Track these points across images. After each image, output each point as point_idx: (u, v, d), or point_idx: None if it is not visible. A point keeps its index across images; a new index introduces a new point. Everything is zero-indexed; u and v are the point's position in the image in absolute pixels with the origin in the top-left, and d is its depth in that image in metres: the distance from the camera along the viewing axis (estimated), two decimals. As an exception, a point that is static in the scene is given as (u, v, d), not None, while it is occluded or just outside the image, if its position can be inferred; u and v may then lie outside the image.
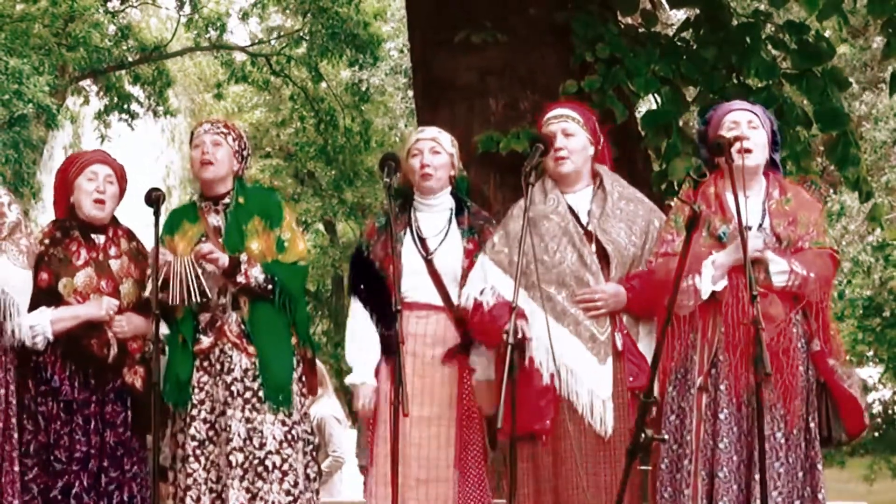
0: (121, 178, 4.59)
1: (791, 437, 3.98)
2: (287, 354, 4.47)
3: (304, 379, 4.54)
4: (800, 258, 4.05)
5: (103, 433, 4.36)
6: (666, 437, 4.00)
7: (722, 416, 3.98)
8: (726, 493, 3.94)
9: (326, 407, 7.45)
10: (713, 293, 4.03)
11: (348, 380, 4.52)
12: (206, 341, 4.45)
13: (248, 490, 4.34)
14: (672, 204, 4.94)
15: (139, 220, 4.66)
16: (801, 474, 3.99)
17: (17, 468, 4.22)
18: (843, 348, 4.18)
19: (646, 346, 4.16)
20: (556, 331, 4.13)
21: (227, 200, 4.56)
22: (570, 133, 4.33)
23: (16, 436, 4.23)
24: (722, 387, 4.00)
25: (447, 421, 4.39)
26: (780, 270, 4.00)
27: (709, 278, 4.02)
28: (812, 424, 4.02)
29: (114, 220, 4.60)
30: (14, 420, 4.24)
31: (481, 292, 4.26)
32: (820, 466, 4.02)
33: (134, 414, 4.41)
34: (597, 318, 4.16)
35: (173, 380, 4.43)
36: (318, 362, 6.90)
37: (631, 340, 4.19)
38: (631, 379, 4.11)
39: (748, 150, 4.10)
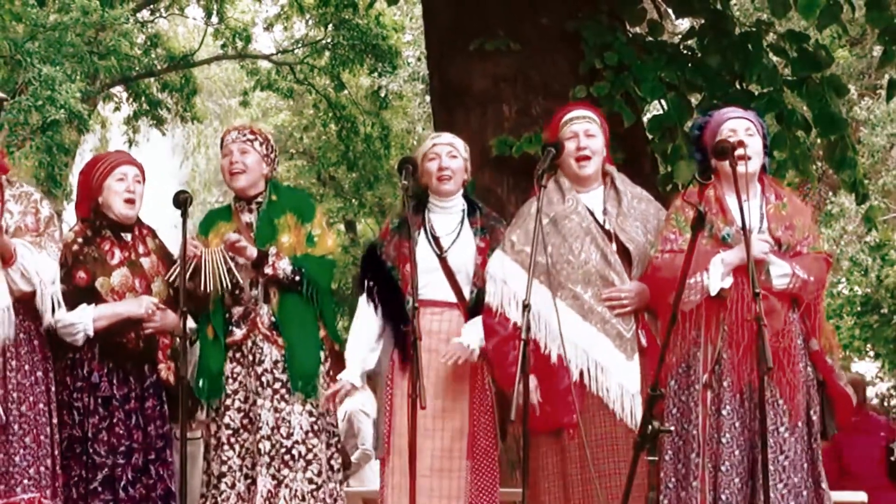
0: (143, 177, 4.67)
1: (796, 431, 4.07)
2: (314, 345, 4.56)
3: (331, 373, 4.58)
4: (800, 262, 4.14)
5: (146, 427, 4.47)
6: (672, 428, 4.08)
7: (724, 412, 4.06)
8: (728, 486, 4.03)
9: (355, 401, 7.47)
10: (718, 292, 4.09)
11: (340, 375, 4.55)
12: (238, 333, 4.57)
13: (273, 477, 4.42)
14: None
15: (167, 222, 4.88)
16: (805, 466, 4.08)
17: (50, 456, 4.31)
18: (837, 347, 4.28)
19: None
20: (584, 329, 4.21)
21: (260, 200, 4.67)
22: (592, 134, 4.36)
23: (48, 429, 4.32)
24: (725, 383, 4.07)
25: (460, 413, 4.47)
26: (783, 273, 4.08)
27: (717, 275, 4.07)
28: (814, 418, 4.13)
29: (138, 219, 4.66)
30: (47, 414, 4.33)
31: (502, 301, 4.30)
32: (820, 458, 4.14)
33: (170, 407, 4.53)
34: (622, 316, 4.23)
35: (206, 373, 4.52)
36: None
37: (653, 337, 4.26)
38: (654, 373, 4.20)
39: (748, 157, 4.13)
